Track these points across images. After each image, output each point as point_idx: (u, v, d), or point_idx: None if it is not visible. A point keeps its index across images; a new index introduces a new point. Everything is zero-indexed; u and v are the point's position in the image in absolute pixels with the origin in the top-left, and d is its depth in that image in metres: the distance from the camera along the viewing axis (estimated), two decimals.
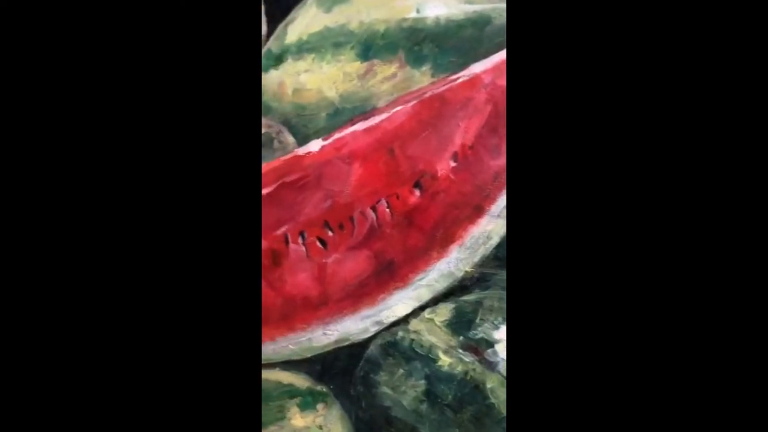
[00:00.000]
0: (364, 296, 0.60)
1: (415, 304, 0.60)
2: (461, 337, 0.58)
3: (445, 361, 0.58)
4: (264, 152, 0.66)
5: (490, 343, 0.58)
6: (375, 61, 0.67)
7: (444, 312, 0.60)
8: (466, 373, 0.57)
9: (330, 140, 0.61)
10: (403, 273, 0.60)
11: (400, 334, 0.60)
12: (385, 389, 0.59)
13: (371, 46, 0.67)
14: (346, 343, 0.61)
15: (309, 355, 0.61)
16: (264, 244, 0.60)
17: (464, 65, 0.62)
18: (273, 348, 0.61)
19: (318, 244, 0.60)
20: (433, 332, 0.59)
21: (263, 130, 0.67)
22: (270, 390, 0.60)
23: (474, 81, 0.60)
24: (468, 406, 0.57)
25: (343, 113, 0.67)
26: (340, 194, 0.60)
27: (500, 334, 0.58)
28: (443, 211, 0.60)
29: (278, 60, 0.69)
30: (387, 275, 0.60)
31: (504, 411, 0.56)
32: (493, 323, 0.58)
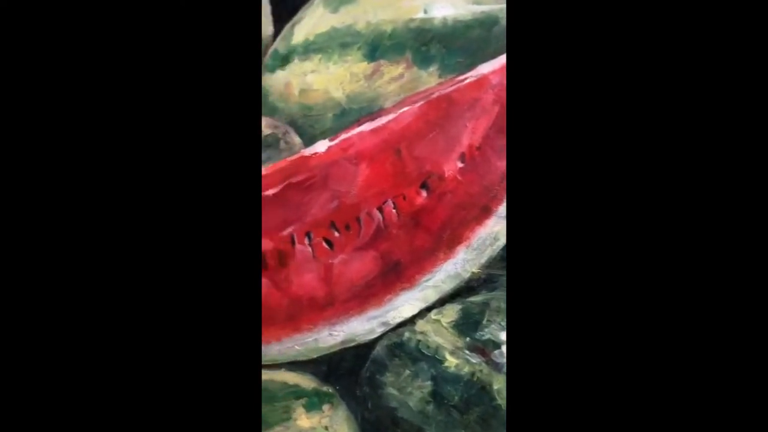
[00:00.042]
0: (370, 297, 0.60)
1: (422, 305, 0.60)
2: (468, 339, 0.58)
3: (451, 362, 0.58)
4: (270, 153, 0.66)
5: (497, 345, 0.57)
6: (382, 61, 0.67)
7: (451, 313, 0.60)
8: (472, 374, 0.57)
9: (336, 141, 0.61)
10: (410, 274, 0.60)
11: (407, 335, 0.60)
12: (392, 390, 0.59)
13: (378, 47, 0.67)
14: (353, 344, 0.61)
15: (315, 356, 0.61)
16: (270, 244, 0.60)
17: (472, 66, 0.62)
18: (279, 348, 0.61)
19: (324, 244, 0.60)
20: (439, 333, 0.59)
21: (270, 131, 0.67)
22: (276, 391, 0.60)
23: (481, 82, 0.60)
24: (474, 407, 0.57)
25: (350, 114, 0.67)
26: (346, 195, 0.60)
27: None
28: (450, 212, 0.60)
29: (285, 60, 0.69)
30: (393, 276, 0.60)
31: None
32: (500, 324, 0.58)
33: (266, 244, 0.60)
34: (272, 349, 0.61)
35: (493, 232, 0.60)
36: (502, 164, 0.59)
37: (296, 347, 0.61)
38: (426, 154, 0.60)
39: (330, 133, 0.64)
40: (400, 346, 0.59)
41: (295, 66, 0.69)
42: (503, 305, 0.59)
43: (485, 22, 0.66)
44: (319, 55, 0.68)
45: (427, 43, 0.66)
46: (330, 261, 0.60)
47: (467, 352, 0.58)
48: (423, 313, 0.60)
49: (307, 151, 0.61)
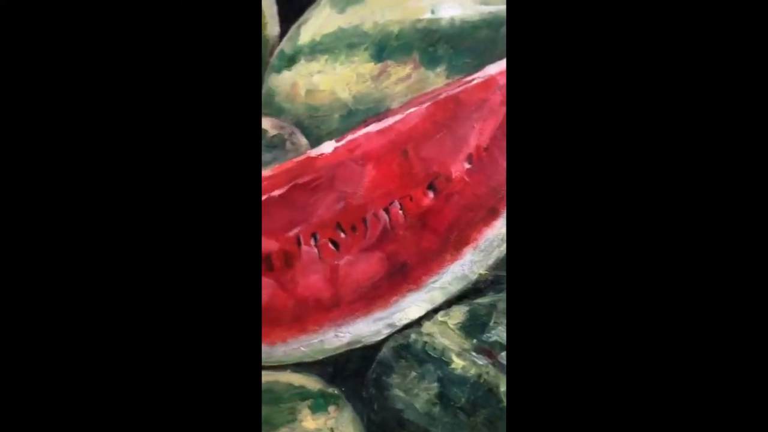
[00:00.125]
0: (376, 298, 0.60)
1: (429, 307, 0.60)
2: (475, 340, 0.58)
3: (458, 364, 0.58)
4: (276, 153, 0.66)
5: (504, 347, 0.57)
6: (389, 62, 0.67)
7: (457, 315, 0.59)
8: (479, 376, 0.57)
9: (343, 142, 0.61)
10: (417, 275, 0.60)
11: (413, 336, 0.60)
12: (398, 392, 0.59)
13: (385, 47, 0.67)
14: (359, 346, 0.60)
15: (321, 357, 0.61)
16: (276, 245, 0.60)
17: (479, 66, 0.62)
18: (284, 350, 0.60)
19: (330, 245, 0.60)
20: (446, 335, 0.59)
21: (276, 132, 0.67)
22: (281, 392, 0.60)
23: (489, 82, 0.60)
24: (481, 409, 0.57)
25: (357, 115, 0.67)
26: (352, 196, 0.60)
27: None
28: (457, 213, 0.60)
29: (291, 61, 0.69)
30: (400, 277, 0.60)
31: None
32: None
33: (272, 245, 0.60)
34: (278, 351, 0.60)
35: (500, 233, 0.60)
36: None
37: (302, 348, 0.60)
38: (433, 155, 0.60)
39: (336, 134, 0.64)
40: (406, 348, 0.59)
41: (302, 66, 0.69)
42: None
43: (493, 23, 0.66)
44: (326, 56, 0.68)
45: (434, 44, 0.66)
46: (336, 262, 0.60)
47: (474, 353, 0.58)
48: (430, 314, 0.60)
49: (314, 152, 0.61)
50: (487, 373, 0.57)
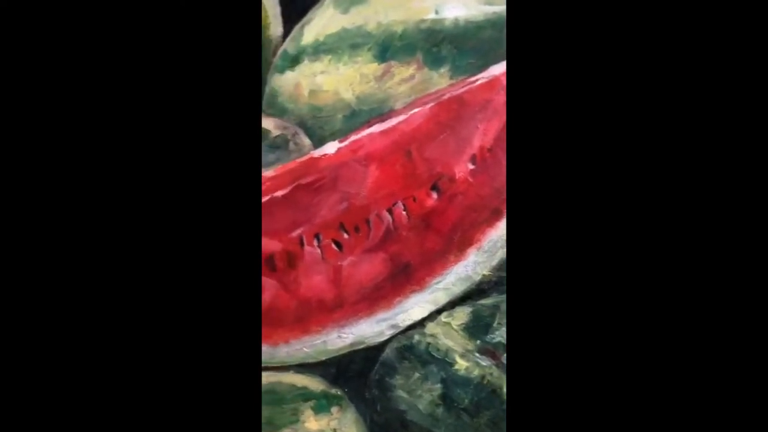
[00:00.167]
0: (379, 299, 0.60)
1: (432, 308, 0.60)
2: (478, 341, 0.58)
3: (461, 365, 0.58)
4: (280, 154, 0.66)
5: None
6: (392, 62, 0.67)
7: (461, 316, 0.59)
8: (482, 377, 0.57)
9: (346, 142, 0.61)
10: (420, 276, 0.60)
11: (417, 337, 0.59)
12: (401, 393, 0.59)
13: (389, 48, 0.67)
14: (362, 347, 0.60)
15: (324, 358, 0.61)
16: (279, 246, 0.60)
17: (483, 67, 0.62)
18: (287, 350, 0.60)
19: (333, 246, 0.60)
20: (449, 336, 0.59)
21: (279, 132, 0.67)
22: (284, 393, 0.60)
23: (493, 83, 0.60)
24: (485, 410, 0.57)
25: (360, 115, 0.67)
26: (356, 196, 0.60)
27: None
28: (461, 214, 0.60)
29: (294, 61, 0.69)
30: (403, 278, 0.60)
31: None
32: None
33: (275, 246, 0.60)
34: (281, 351, 0.60)
35: (503, 234, 0.60)
36: None
37: (305, 349, 0.60)
38: (437, 155, 0.60)
39: (340, 134, 0.64)
40: (409, 349, 0.59)
41: (305, 67, 0.69)
42: None
43: (497, 23, 0.66)
44: (329, 56, 0.68)
45: (438, 44, 0.66)
46: (339, 263, 0.60)
47: (477, 355, 0.58)
48: (433, 315, 0.60)
49: (317, 153, 0.61)
50: (491, 374, 0.57)
